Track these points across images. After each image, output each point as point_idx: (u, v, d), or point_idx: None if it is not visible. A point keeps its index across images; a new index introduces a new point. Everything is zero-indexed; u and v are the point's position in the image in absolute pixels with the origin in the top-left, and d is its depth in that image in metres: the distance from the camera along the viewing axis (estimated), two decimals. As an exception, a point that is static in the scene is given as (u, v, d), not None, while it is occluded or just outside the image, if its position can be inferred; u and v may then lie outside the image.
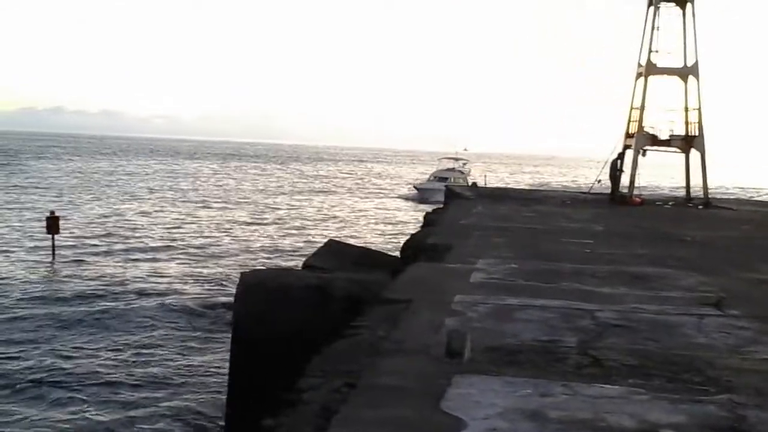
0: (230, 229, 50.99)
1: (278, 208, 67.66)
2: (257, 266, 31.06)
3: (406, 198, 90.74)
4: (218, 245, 42.78)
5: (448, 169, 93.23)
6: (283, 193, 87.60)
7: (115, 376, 19.63)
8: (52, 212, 36.49)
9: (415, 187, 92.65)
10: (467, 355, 7.67)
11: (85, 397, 18.34)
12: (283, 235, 48.71)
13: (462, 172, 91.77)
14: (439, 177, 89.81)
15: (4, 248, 37.77)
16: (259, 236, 47.75)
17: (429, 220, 25.92)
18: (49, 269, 32.67)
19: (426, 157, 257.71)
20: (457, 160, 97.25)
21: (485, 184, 50.71)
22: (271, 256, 39.55)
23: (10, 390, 18.63)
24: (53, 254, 34.82)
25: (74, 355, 21.14)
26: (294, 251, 40.78)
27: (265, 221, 56.94)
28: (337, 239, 29.04)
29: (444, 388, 6.79)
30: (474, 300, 10.68)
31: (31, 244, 38.70)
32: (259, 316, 16.50)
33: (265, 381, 15.09)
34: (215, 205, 68.78)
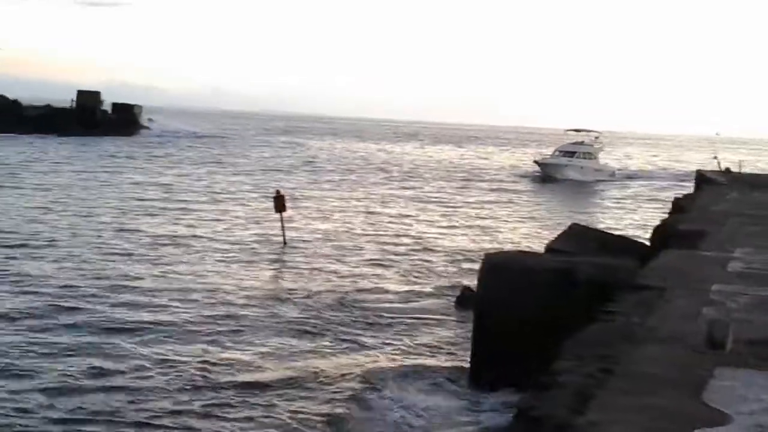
0: (471, 210, 51.38)
1: (517, 191, 67.36)
2: (499, 249, 30.97)
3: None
4: (459, 226, 43.19)
5: (575, 143, 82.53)
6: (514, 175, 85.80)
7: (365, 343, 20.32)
8: (278, 191, 37.61)
9: (536, 162, 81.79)
10: (729, 346, 7.35)
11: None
12: (521, 219, 48.49)
13: (591, 146, 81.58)
14: (564, 152, 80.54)
15: (244, 222, 39.70)
16: (497, 219, 47.79)
17: (679, 205, 24.95)
18: (279, 248, 33.43)
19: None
20: (588, 132, 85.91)
21: (740, 170, 47.99)
22: (513, 238, 39.47)
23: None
24: (283, 234, 35.52)
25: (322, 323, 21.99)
26: (534, 235, 40.49)
27: (503, 204, 56.86)
28: (579, 223, 28.55)
29: (705, 380, 6.56)
30: (733, 290, 10.22)
31: (264, 221, 40.08)
32: (503, 297, 16.56)
33: (509, 361, 15.20)
34: (456, 185, 69.51)
